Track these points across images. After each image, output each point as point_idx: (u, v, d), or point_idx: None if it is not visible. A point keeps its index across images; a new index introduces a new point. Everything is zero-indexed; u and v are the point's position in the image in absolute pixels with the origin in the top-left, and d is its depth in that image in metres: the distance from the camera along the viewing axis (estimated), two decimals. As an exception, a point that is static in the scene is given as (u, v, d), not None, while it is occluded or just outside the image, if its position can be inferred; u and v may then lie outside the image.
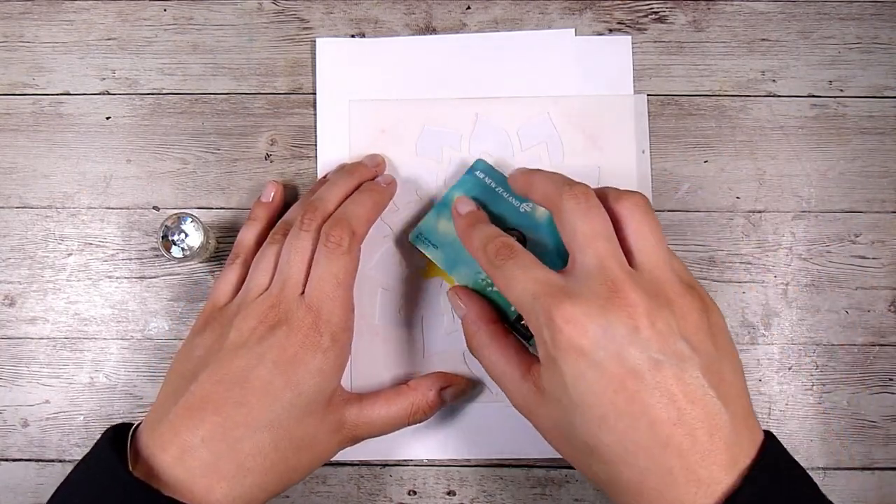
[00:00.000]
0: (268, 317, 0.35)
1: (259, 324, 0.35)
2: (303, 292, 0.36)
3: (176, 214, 0.40)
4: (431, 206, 0.42)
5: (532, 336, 0.34)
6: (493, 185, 0.40)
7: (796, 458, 0.31)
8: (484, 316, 0.37)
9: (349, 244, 0.36)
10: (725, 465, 0.28)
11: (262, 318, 0.35)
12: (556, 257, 0.37)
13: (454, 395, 0.40)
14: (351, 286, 0.37)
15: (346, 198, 0.39)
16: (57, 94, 0.44)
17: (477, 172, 0.41)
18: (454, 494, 0.42)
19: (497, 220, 0.39)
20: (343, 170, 0.42)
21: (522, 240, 0.39)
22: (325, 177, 0.42)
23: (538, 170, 0.37)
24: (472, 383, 0.41)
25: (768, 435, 0.31)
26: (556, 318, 0.30)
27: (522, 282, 0.32)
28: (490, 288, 0.38)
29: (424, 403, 0.39)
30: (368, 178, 0.41)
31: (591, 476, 0.32)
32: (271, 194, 0.42)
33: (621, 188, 0.34)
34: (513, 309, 0.37)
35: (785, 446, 0.31)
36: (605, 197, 0.34)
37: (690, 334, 0.30)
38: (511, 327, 0.37)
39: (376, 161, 0.42)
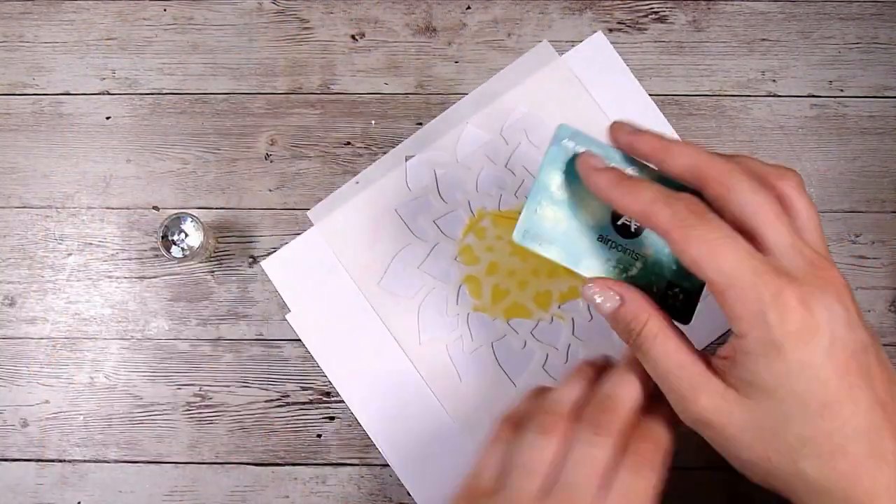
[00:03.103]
0: None
1: None
2: None
3: (176, 214, 0.40)
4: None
5: (685, 314, 0.31)
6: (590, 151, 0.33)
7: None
8: (651, 304, 0.31)
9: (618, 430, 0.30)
10: None
11: None
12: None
13: None
14: None
15: None
16: (57, 94, 0.44)
17: (564, 142, 0.33)
18: (454, 494, 0.42)
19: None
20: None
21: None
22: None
23: (666, 136, 0.31)
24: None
25: None
26: (788, 298, 0.27)
27: (734, 252, 0.27)
28: (625, 275, 0.32)
29: None
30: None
31: (794, 477, 0.28)
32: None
33: (769, 162, 0.31)
34: (657, 287, 0.32)
35: None
36: (762, 170, 0.30)
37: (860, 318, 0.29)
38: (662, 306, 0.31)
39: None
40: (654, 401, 0.31)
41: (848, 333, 0.28)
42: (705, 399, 0.29)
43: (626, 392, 0.31)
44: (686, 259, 0.28)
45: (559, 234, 0.33)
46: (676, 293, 0.31)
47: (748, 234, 0.28)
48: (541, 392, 0.34)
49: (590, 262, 0.33)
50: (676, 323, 0.31)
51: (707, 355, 0.30)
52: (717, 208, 0.29)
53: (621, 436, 0.30)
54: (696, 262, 0.28)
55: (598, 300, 0.31)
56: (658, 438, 0.31)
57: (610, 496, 0.29)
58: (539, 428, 0.31)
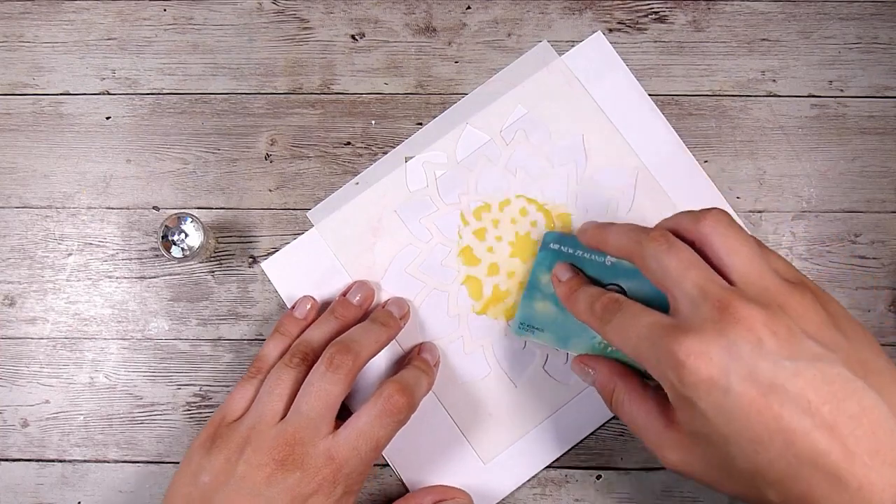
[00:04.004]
0: (280, 454, 0.34)
1: (271, 460, 0.34)
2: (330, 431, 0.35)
3: (176, 214, 0.40)
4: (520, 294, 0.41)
5: None
6: (571, 250, 0.40)
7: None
8: (617, 371, 0.35)
9: (349, 370, 0.36)
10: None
11: (274, 454, 0.34)
12: (662, 298, 0.34)
13: None
14: (371, 437, 0.36)
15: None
16: (57, 94, 0.44)
17: (551, 245, 0.40)
18: (454, 494, 0.42)
19: (590, 282, 0.39)
20: (362, 290, 0.41)
21: (622, 292, 0.38)
22: (344, 293, 0.41)
23: (607, 224, 0.37)
24: (469, 499, 0.40)
25: None
26: (677, 354, 0.28)
27: (635, 329, 0.31)
28: (609, 349, 0.38)
29: None
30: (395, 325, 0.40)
31: (766, 502, 0.30)
32: (306, 308, 0.41)
33: (695, 209, 0.33)
34: None
35: None
36: (680, 224, 0.33)
37: (815, 332, 0.29)
38: (644, 376, 0.35)
39: (403, 311, 0.41)
40: None
41: (763, 366, 0.28)
42: (668, 453, 0.32)
43: (366, 340, 0.38)
44: (615, 348, 0.33)
45: (549, 321, 0.39)
46: None
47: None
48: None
49: (577, 342, 0.39)
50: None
51: (673, 411, 0.32)
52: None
53: (352, 376, 0.36)
54: (620, 348, 0.32)
55: (580, 374, 0.38)
56: (356, 354, 0.37)
57: (342, 429, 0.35)
58: (287, 360, 0.37)
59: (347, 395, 0.37)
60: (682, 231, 0.32)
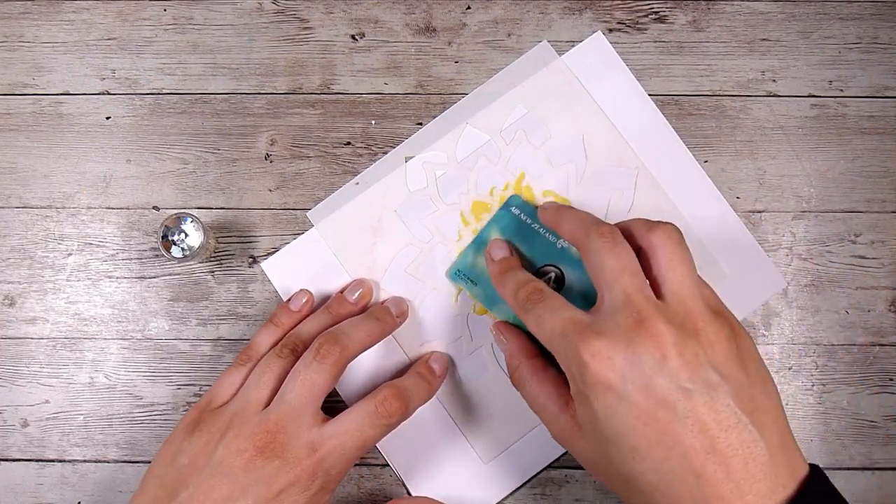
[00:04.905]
0: (261, 441, 0.35)
1: (251, 446, 0.34)
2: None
3: (176, 214, 0.40)
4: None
5: None
6: (529, 220, 0.40)
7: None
8: (525, 350, 0.37)
9: (335, 361, 0.36)
10: (763, 495, 0.28)
11: (255, 440, 0.35)
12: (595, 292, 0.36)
13: None
14: (355, 434, 0.36)
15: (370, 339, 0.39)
16: (57, 94, 0.44)
17: (512, 208, 0.41)
18: (454, 494, 0.42)
19: (534, 257, 0.39)
20: (361, 286, 0.41)
21: (561, 276, 0.39)
22: (342, 290, 0.41)
23: (567, 207, 0.38)
24: None
25: (814, 469, 0.30)
26: (582, 353, 0.30)
27: (550, 322, 0.32)
28: None
29: None
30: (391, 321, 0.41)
31: None
32: (301, 302, 0.41)
33: (652, 219, 0.34)
34: None
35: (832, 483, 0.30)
36: (634, 228, 0.34)
37: (719, 362, 0.30)
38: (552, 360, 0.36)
39: (401, 309, 0.41)
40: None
41: (661, 382, 0.29)
42: (557, 431, 0.34)
43: (356, 333, 0.38)
44: (533, 334, 0.34)
45: (484, 279, 0.40)
46: None
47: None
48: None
49: (502, 307, 0.39)
50: None
51: (570, 395, 0.33)
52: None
53: (339, 367, 0.37)
54: (536, 336, 0.34)
55: (495, 339, 0.39)
56: (344, 346, 0.37)
57: (329, 424, 0.35)
58: (277, 350, 0.38)
59: (345, 398, 0.37)
60: (632, 234, 0.34)
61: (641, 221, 0.34)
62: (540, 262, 0.39)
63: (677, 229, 0.33)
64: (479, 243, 0.41)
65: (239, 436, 0.35)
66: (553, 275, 0.39)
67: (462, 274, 0.40)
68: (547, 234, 0.40)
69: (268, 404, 0.36)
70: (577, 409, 0.32)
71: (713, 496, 0.28)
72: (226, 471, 0.34)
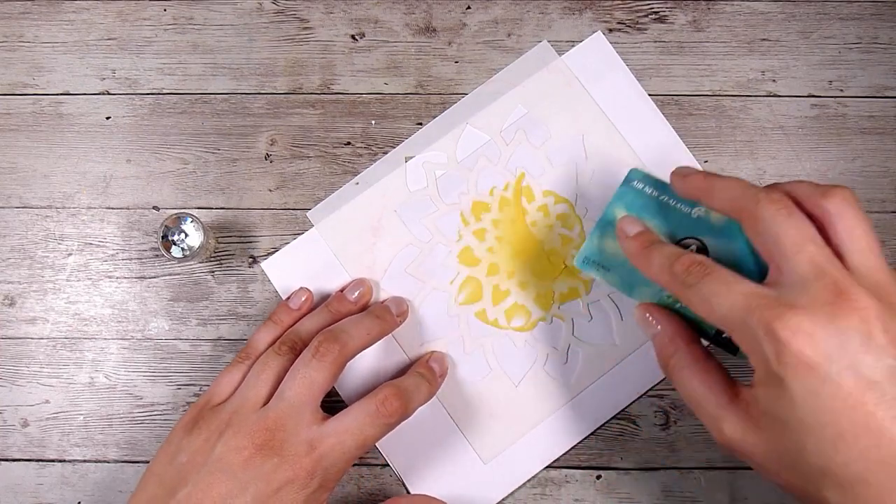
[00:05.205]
0: (260, 438, 0.34)
1: (250, 444, 0.34)
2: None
3: (176, 214, 0.40)
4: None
5: (732, 348, 0.32)
6: (656, 193, 0.36)
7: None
8: (682, 335, 0.33)
9: (334, 359, 0.36)
10: None
11: (254, 437, 0.34)
12: (749, 264, 0.33)
13: None
14: (357, 436, 0.35)
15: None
16: (57, 94, 0.44)
17: (634, 183, 0.36)
18: (454, 494, 0.42)
19: (669, 231, 0.35)
20: (362, 286, 0.41)
21: (703, 249, 0.34)
22: (342, 290, 0.41)
23: (715, 174, 0.33)
24: None
25: None
26: (778, 331, 0.27)
27: (728, 298, 0.29)
28: (679, 304, 0.34)
29: None
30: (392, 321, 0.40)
31: (822, 502, 0.28)
32: (301, 300, 0.41)
33: (820, 182, 0.31)
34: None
35: None
36: (801, 193, 0.30)
37: None
38: (714, 342, 0.33)
39: (401, 309, 0.41)
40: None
41: (868, 360, 0.26)
42: (725, 427, 0.30)
43: (356, 331, 0.38)
44: (696, 312, 0.30)
45: (618, 264, 0.36)
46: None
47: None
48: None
49: (643, 290, 0.35)
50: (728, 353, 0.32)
51: (738, 386, 0.30)
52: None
53: (338, 365, 0.36)
54: (703, 315, 0.30)
55: (641, 323, 0.34)
56: (344, 344, 0.37)
57: (329, 422, 0.35)
58: (276, 348, 0.38)
59: (345, 397, 0.37)
60: (802, 200, 0.30)
61: (811, 185, 0.30)
62: (678, 234, 0.35)
63: (853, 194, 0.30)
64: (605, 225, 0.36)
65: (238, 433, 0.35)
66: (694, 247, 0.34)
67: (591, 261, 0.36)
68: (678, 205, 0.35)
69: (267, 402, 0.36)
70: (763, 395, 0.28)
71: None
72: (225, 468, 0.34)
